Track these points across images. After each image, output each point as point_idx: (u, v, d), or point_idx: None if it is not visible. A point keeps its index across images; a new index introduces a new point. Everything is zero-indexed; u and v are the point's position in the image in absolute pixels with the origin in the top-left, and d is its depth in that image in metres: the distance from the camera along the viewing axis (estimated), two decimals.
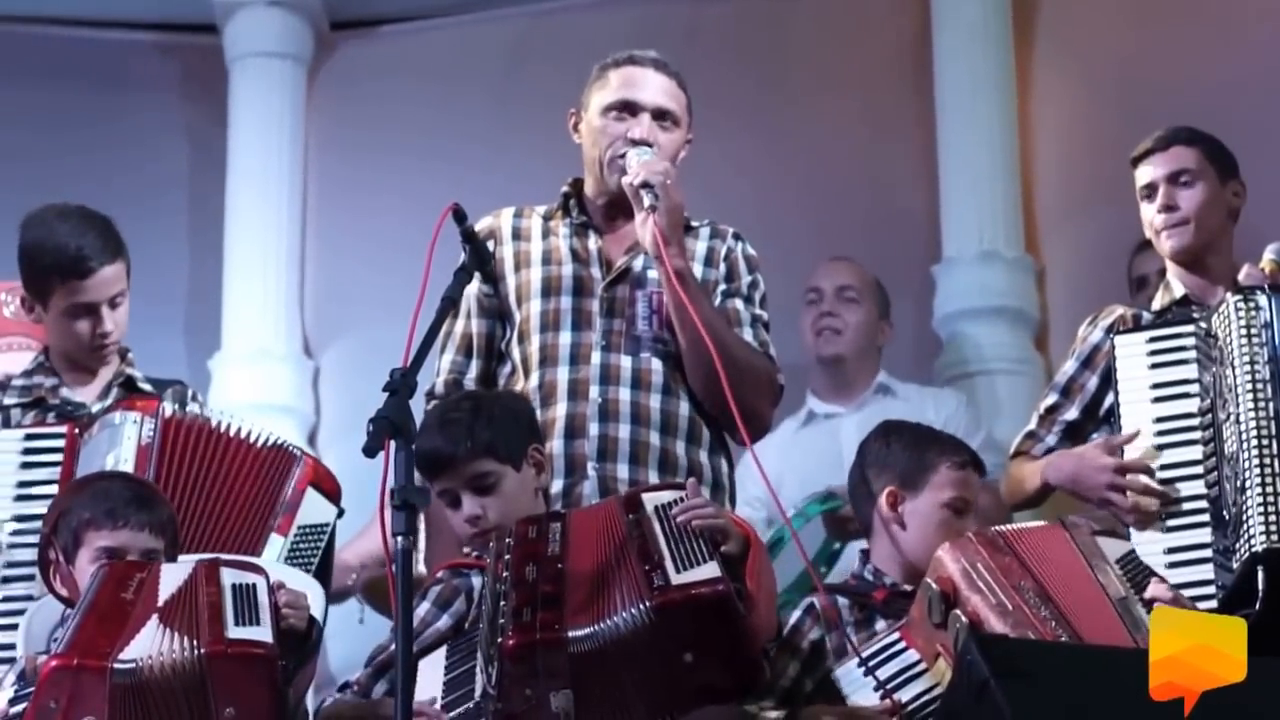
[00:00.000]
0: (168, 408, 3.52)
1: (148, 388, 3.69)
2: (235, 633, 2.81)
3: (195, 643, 2.78)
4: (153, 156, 5.47)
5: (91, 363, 3.68)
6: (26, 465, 3.48)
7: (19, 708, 2.84)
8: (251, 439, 3.50)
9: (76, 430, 3.50)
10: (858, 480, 3.37)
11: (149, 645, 2.79)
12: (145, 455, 3.40)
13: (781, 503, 4.20)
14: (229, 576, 2.93)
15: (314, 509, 3.50)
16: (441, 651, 3.03)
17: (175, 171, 5.49)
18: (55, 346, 3.71)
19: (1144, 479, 3.34)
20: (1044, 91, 5.12)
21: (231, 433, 3.49)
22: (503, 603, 2.79)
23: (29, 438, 3.51)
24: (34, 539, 3.30)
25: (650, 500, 2.92)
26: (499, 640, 2.74)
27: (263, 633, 2.83)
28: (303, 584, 3.13)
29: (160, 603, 2.88)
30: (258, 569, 3.00)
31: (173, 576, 2.94)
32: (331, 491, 3.55)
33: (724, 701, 2.82)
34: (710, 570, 2.75)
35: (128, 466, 3.39)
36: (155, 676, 2.76)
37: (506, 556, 2.87)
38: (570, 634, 2.72)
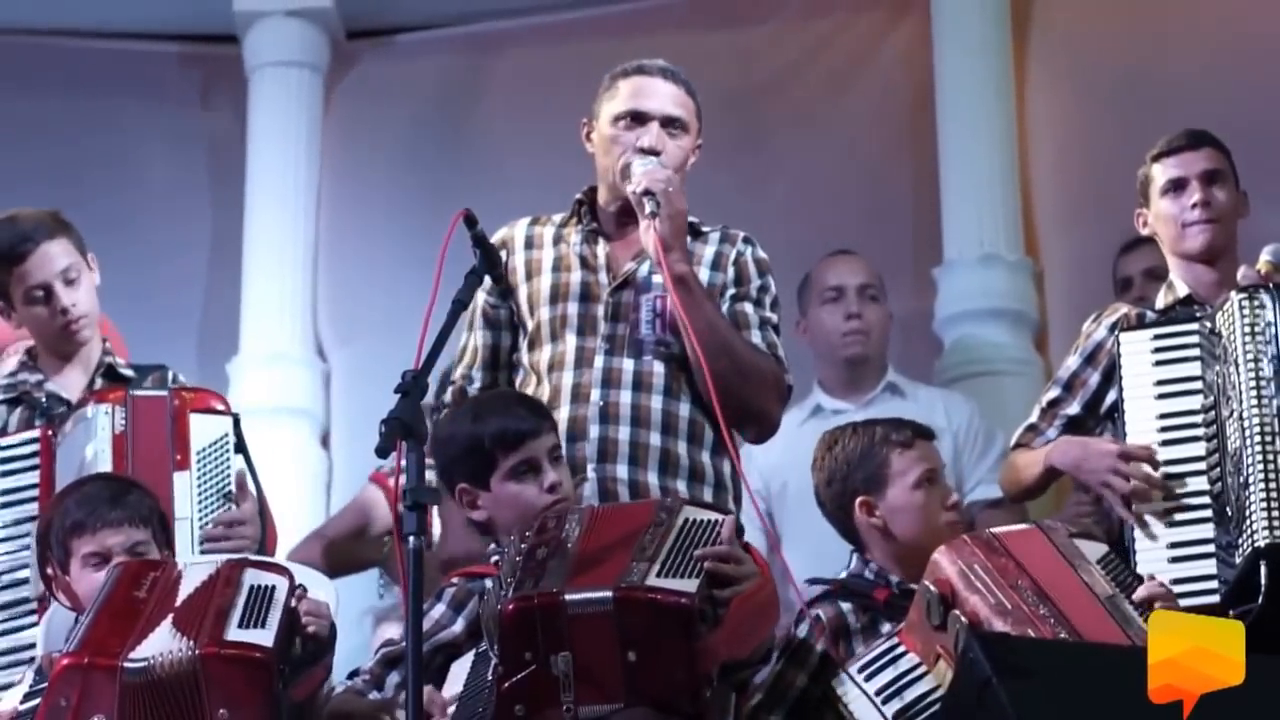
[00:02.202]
0: (137, 394, 3.52)
1: (129, 374, 3.70)
2: (235, 635, 2.82)
3: (193, 643, 2.80)
4: (174, 164, 5.51)
5: (67, 346, 3.67)
6: (3, 474, 3.51)
7: (32, 703, 2.87)
8: (135, 395, 3.50)
9: (50, 432, 3.52)
10: (824, 496, 3.40)
11: (160, 644, 2.81)
12: (122, 443, 3.42)
13: (777, 504, 4.27)
14: (250, 577, 2.94)
15: (205, 430, 3.51)
16: (471, 655, 3.01)
17: (195, 179, 5.53)
18: (36, 341, 3.72)
19: (1146, 468, 3.36)
20: (1042, 98, 5.12)
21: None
22: (510, 579, 2.81)
23: (1, 448, 3.53)
24: (24, 544, 3.37)
25: (687, 512, 2.92)
26: (498, 608, 2.75)
27: (264, 636, 2.83)
28: (322, 588, 3.15)
29: (178, 602, 2.89)
30: (282, 569, 3.01)
31: (195, 576, 2.95)
32: (212, 408, 3.55)
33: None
34: (686, 585, 2.75)
35: (105, 456, 3.41)
36: (162, 675, 2.78)
37: (523, 545, 2.88)
38: (568, 598, 2.73)
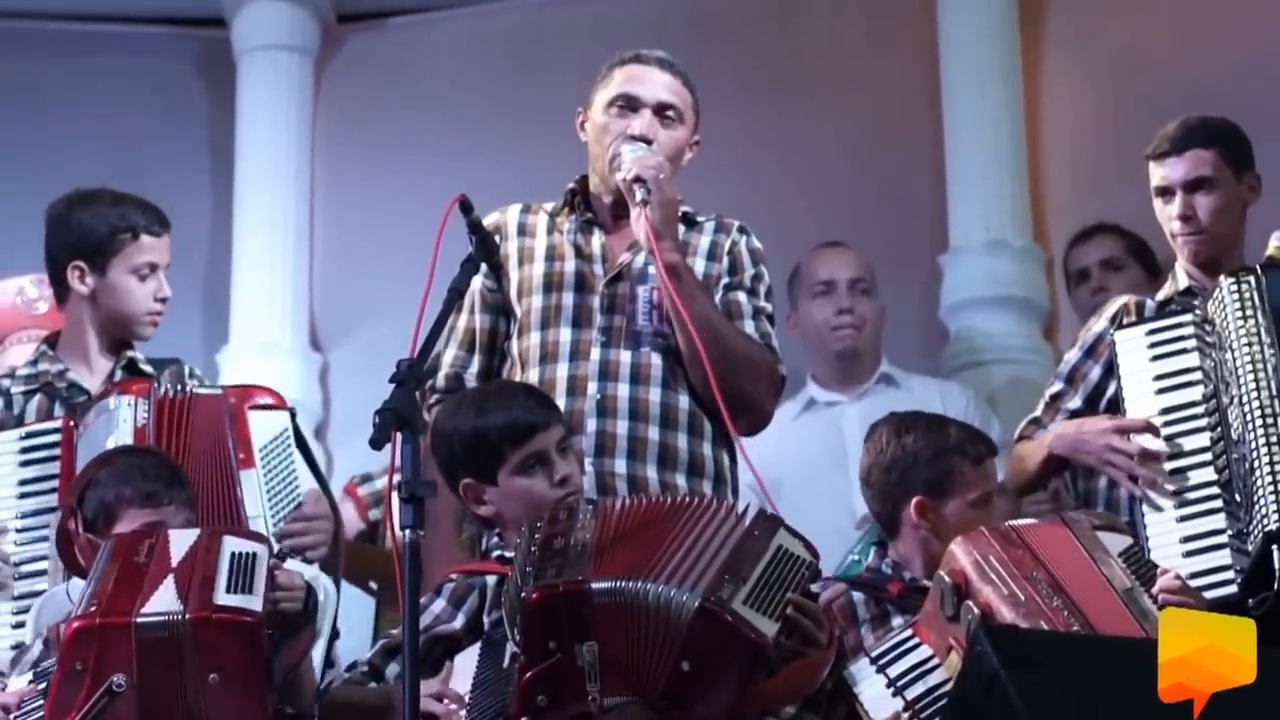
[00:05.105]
0: (160, 388, 3.51)
1: (149, 369, 3.68)
2: (224, 599, 2.81)
3: (183, 607, 2.78)
4: (162, 150, 5.46)
5: (130, 332, 3.65)
6: (26, 463, 3.49)
7: (43, 684, 2.83)
8: (193, 394, 3.51)
9: (72, 423, 3.49)
10: (876, 477, 3.30)
11: (166, 602, 2.80)
12: (142, 437, 3.39)
13: (773, 498, 4.22)
14: (230, 544, 2.92)
15: (264, 426, 3.50)
16: (477, 646, 2.97)
17: (184, 165, 5.48)
18: (94, 319, 3.66)
19: (1145, 439, 3.33)
20: (1052, 79, 5.10)
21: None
22: (529, 569, 2.77)
23: (26, 436, 3.52)
24: (43, 535, 3.34)
25: (781, 538, 2.85)
26: (522, 596, 2.71)
27: (253, 601, 2.82)
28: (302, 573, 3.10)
29: (174, 564, 2.87)
30: (261, 538, 3.00)
31: (181, 542, 2.93)
32: (270, 404, 3.56)
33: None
34: (768, 626, 2.71)
35: None
36: (168, 634, 2.76)
37: (537, 536, 2.84)
38: (595, 586, 2.68)
